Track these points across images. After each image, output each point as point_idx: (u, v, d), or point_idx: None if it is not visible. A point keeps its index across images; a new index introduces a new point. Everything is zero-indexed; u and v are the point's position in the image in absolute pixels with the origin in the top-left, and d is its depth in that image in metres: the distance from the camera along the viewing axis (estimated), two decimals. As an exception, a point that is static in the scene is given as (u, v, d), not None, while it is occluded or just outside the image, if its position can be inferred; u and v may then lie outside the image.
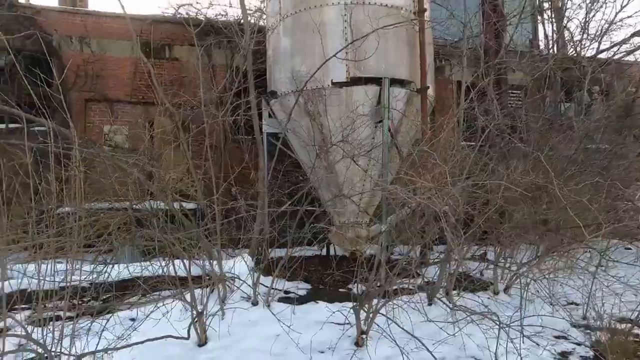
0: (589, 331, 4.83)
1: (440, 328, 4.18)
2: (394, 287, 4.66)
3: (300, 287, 5.76)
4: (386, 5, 6.05)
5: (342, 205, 7.15)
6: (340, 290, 5.95)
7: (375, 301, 4.08)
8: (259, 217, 6.41)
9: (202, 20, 10.02)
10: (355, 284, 5.92)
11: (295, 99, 6.04)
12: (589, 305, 5.16)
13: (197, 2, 10.00)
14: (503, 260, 6.05)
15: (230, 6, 10.58)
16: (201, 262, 5.15)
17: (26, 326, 3.72)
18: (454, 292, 5.42)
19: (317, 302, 5.17)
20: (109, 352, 3.37)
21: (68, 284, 3.41)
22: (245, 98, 7.79)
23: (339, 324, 4.41)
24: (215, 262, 5.03)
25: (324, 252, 8.23)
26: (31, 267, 4.25)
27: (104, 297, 4.69)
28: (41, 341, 3.36)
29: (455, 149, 4.74)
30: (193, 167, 6.75)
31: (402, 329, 3.98)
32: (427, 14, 6.49)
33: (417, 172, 4.35)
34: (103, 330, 3.62)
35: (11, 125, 9.37)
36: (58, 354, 3.12)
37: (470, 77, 8.74)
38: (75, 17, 10.17)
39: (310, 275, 6.27)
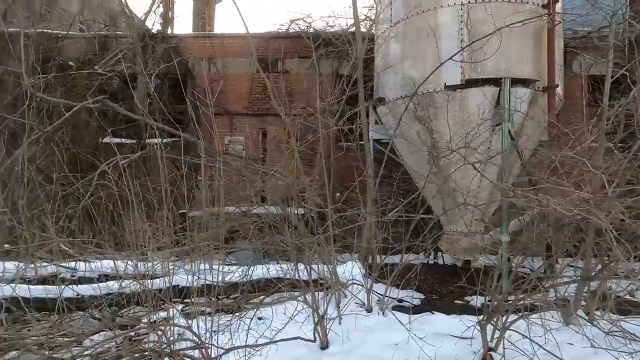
0: None
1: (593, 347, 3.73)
2: (524, 302, 4.35)
3: (413, 296, 5.68)
4: (509, 0, 5.67)
5: (454, 213, 6.88)
6: (457, 302, 5.72)
7: (504, 317, 3.84)
8: (367, 224, 6.49)
9: (312, 33, 10.52)
10: (475, 296, 5.67)
11: (406, 104, 5.99)
12: None
13: (308, 16, 10.48)
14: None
15: (338, 17, 10.77)
16: (317, 267, 5.39)
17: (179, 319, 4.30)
18: (597, 312, 4.84)
19: (434, 313, 5.04)
20: (256, 348, 3.68)
21: (216, 283, 3.83)
22: (355, 106, 7.96)
23: (461, 337, 4.25)
24: (330, 267, 5.21)
25: (431, 259, 8.01)
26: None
27: (235, 296, 5.16)
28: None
29: (600, 153, 4.23)
30: (303, 174, 7.13)
31: (544, 349, 3.69)
32: (558, 5, 5.93)
33: (559, 178, 3.98)
34: (249, 328, 3.97)
35: (154, 140, 10.79)
36: (210, 345, 3.51)
37: (608, 70, 7.70)
38: (205, 40, 11.43)
39: (421, 284, 6.15)
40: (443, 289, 6.42)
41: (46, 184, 6.23)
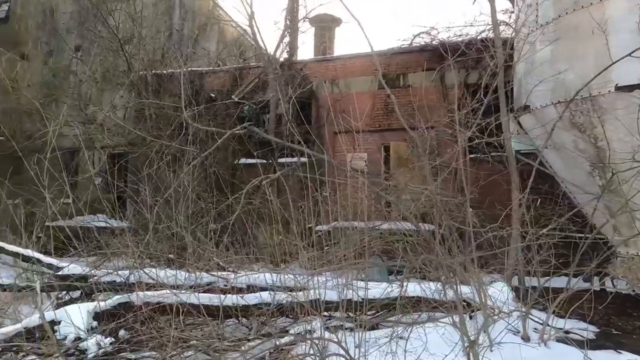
0: None
1: None
2: None
3: (581, 328, 4.92)
4: None
5: (631, 233, 5.85)
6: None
7: None
8: (513, 243, 5.90)
9: (437, 45, 10.23)
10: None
11: (561, 112, 5.35)
12: None
13: (432, 29, 10.24)
14: None
15: (466, 26, 10.31)
16: (457, 287, 5.04)
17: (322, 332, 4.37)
18: None
19: (620, 352, 4.27)
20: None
21: (362, 298, 3.80)
22: (488, 116, 7.43)
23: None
24: (477, 289, 4.82)
25: (596, 286, 6.90)
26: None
27: (376, 313, 5.08)
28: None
29: None
30: (434, 189, 6.82)
31: None
32: None
33: None
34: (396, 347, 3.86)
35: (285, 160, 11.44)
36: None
37: None
38: (328, 63, 11.93)
39: (589, 315, 5.32)
40: (625, 322, 5.45)
41: (200, 202, 7.05)
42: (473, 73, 10.34)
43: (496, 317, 4.96)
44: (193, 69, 11.28)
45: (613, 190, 5.49)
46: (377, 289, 5.44)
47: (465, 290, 4.96)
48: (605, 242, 5.83)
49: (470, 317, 5.05)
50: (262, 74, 11.34)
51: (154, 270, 4.47)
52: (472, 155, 9.24)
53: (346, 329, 4.62)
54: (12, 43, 12.83)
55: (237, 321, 4.86)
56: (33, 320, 3.36)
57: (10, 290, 4.94)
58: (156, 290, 4.10)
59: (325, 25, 15.00)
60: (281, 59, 11.52)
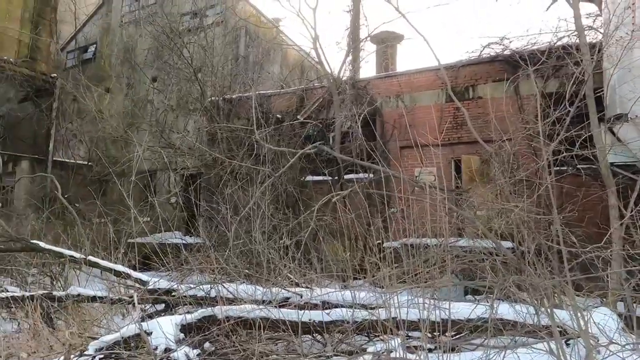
0: None
1: None
2: None
3: None
4: None
5: None
6: None
7: None
8: (616, 264, 5.33)
9: (509, 54, 9.83)
10: None
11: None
12: None
13: (504, 38, 9.85)
14: None
15: (541, 34, 9.78)
16: (552, 310, 4.64)
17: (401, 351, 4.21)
18: None
19: None
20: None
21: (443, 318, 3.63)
22: (574, 127, 6.90)
23: None
24: (574, 314, 4.38)
25: None
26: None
27: (458, 334, 4.83)
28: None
29: None
30: (522, 206, 6.40)
31: None
32: None
33: None
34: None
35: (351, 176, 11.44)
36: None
37: None
38: (392, 79, 11.89)
39: None
40: None
41: (273, 219, 7.22)
42: (552, 82, 9.74)
43: (602, 348, 4.47)
44: (261, 92, 11.79)
45: None
46: (463, 310, 5.17)
47: (562, 315, 4.56)
48: None
49: (567, 344, 4.62)
50: (327, 94, 11.56)
51: (233, 285, 4.60)
52: (557, 168, 8.62)
53: (427, 350, 4.42)
54: (99, 79, 14.33)
55: (312, 337, 4.84)
56: (130, 329, 3.57)
57: (104, 302, 5.33)
58: (235, 304, 4.20)
59: (387, 42, 15.03)
60: (344, 78, 11.69)
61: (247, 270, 5.17)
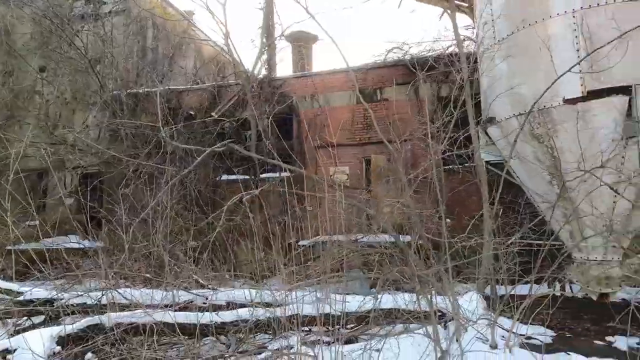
0: None
1: None
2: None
3: (541, 333, 5.13)
4: (630, -1, 5.11)
5: (584, 239, 6.17)
6: (597, 342, 5.03)
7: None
8: (485, 252, 6.11)
9: (409, 59, 10.59)
10: (619, 337, 4.94)
11: (521, 123, 5.64)
12: None
13: (404, 44, 10.60)
14: None
15: (435, 41, 10.68)
16: (432, 297, 5.21)
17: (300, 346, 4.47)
18: None
19: (569, 354, 4.49)
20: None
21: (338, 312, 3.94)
22: (460, 128, 7.71)
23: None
24: (450, 299, 4.99)
25: (557, 291, 7.18)
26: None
27: (352, 326, 5.20)
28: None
29: None
30: (413, 201, 7.02)
31: None
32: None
33: None
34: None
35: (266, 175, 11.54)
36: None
37: None
38: (307, 79, 12.17)
39: (550, 319, 5.55)
40: (577, 325, 5.70)
41: (180, 220, 7.11)
42: (444, 86, 10.70)
43: (467, 327, 5.14)
44: (170, 87, 11.39)
45: (566, 198, 5.78)
46: (355, 303, 5.56)
47: (439, 300, 5.14)
48: (562, 249, 6.12)
49: (445, 327, 5.23)
50: (241, 92, 11.52)
51: (129, 290, 4.51)
52: (447, 167, 9.54)
53: (324, 343, 4.73)
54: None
55: (215, 339, 4.92)
56: (-13, 350, 3.32)
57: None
58: (130, 310, 4.15)
59: (302, 42, 15.31)
60: (260, 76, 11.74)
61: (147, 274, 5.09)
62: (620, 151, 5.39)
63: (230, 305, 5.03)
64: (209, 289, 5.54)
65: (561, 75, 5.04)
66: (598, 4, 5.21)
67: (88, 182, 8.86)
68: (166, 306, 4.60)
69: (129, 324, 3.79)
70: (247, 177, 10.89)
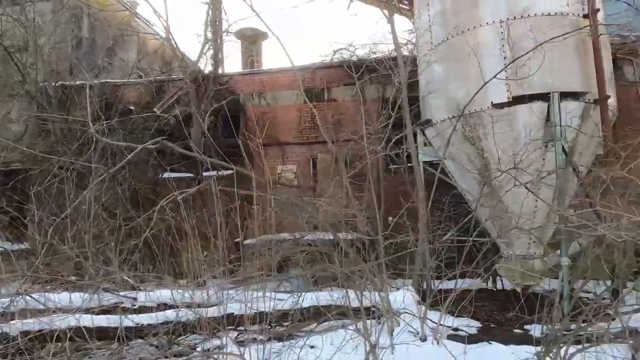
0: None
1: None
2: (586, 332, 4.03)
3: (468, 325, 5.40)
4: (549, 14, 5.52)
5: (510, 236, 6.56)
6: (516, 330, 5.36)
7: (564, 348, 3.55)
8: (420, 249, 6.32)
9: (355, 61, 10.74)
10: (534, 325, 5.28)
11: (454, 125, 5.89)
12: None
13: (350, 45, 10.74)
14: None
15: (380, 44, 10.91)
16: (369, 293, 5.32)
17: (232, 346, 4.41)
18: None
19: (491, 343, 4.75)
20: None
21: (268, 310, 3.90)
22: (402, 129, 7.93)
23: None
24: (382, 295, 5.11)
25: (489, 285, 7.60)
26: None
27: (287, 324, 5.19)
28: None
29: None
30: (354, 200, 7.14)
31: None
32: (600, 14, 5.67)
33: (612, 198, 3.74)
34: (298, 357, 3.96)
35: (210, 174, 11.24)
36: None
37: None
38: (255, 76, 11.99)
39: (478, 312, 5.85)
40: (502, 316, 6.05)
41: (110, 220, 6.75)
42: (389, 88, 10.95)
43: (399, 321, 5.29)
44: (105, 80, 10.80)
45: (494, 197, 6.12)
46: (291, 300, 5.56)
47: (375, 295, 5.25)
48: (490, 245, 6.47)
49: (379, 322, 5.36)
50: (185, 87, 11.16)
51: (46, 294, 4.22)
52: (390, 166, 9.80)
53: (258, 341, 4.69)
54: None
55: (144, 341, 4.74)
56: None
57: None
58: (46, 315, 3.88)
59: (251, 39, 15.11)
60: (206, 72, 11.44)
61: (68, 277, 4.79)
62: (541, 154, 5.78)
63: (160, 307, 4.86)
64: (140, 290, 5.32)
65: (487, 82, 5.32)
66: (522, 16, 5.56)
67: (9, 180, 8.19)
68: (88, 310, 4.36)
69: (37, 331, 3.54)
70: (190, 175, 10.58)
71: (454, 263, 5.68)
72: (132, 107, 10.88)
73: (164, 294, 5.30)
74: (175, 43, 10.70)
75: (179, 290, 4.64)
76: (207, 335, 4.40)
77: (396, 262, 6.36)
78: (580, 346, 3.68)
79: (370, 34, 16.77)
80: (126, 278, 5.02)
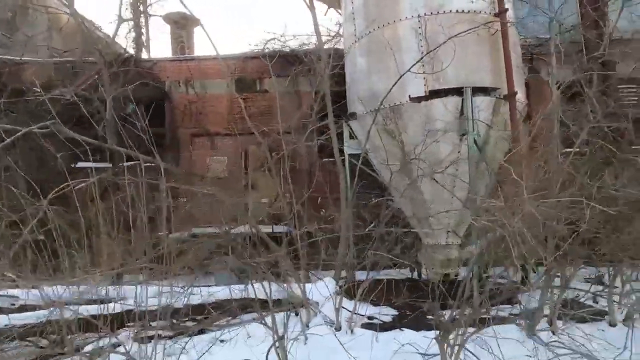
0: None
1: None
2: (488, 316, 4.25)
3: (385, 313, 5.50)
4: (462, 11, 5.74)
5: (429, 226, 6.79)
6: (429, 317, 5.54)
7: (461, 331, 3.69)
8: (342, 240, 6.35)
9: (287, 52, 10.57)
10: (447, 311, 5.50)
11: (373, 118, 5.95)
12: None
13: (282, 36, 10.55)
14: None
15: (311, 35, 10.83)
16: (285, 285, 5.24)
17: (132, 344, 4.12)
18: (560, 322, 4.77)
19: (403, 330, 4.86)
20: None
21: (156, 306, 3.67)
22: (325, 121, 7.91)
23: (425, 355, 4.08)
24: (295, 286, 5.06)
25: (414, 275, 7.85)
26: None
27: (197, 318, 4.97)
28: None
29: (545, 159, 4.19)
30: (282, 192, 7.02)
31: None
32: (509, 13, 6.01)
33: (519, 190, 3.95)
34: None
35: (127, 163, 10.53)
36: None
37: (570, 75, 7.81)
38: (182, 63, 11.38)
39: (396, 300, 5.99)
40: (420, 304, 6.23)
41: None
42: (320, 81, 10.93)
43: (318, 312, 5.28)
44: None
45: (414, 189, 6.29)
46: (206, 294, 5.34)
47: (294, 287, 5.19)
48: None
49: (296, 314, 5.31)
50: (101, 70, 10.32)
51: None
52: (325, 160, 9.79)
53: (167, 337, 4.45)
54: None
55: (28, 341, 4.28)
56: None
57: None
58: None
59: (179, 25, 14.39)
60: (126, 55, 10.67)
61: None
62: (456, 147, 6.01)
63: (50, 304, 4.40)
64: (33, 288, 4.80)
65: (402, 76, 5.44)
66: (438, 12, 5.73)
67: None
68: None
69: None
70: (107, 164, 9.84)
71: (376, 254, 5.78)
72: (37, 88, 9.85)
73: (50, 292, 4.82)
74: (83, 18, 9.83)
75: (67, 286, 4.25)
76: (101, 333, 4.09)
77: (315, 254, 6.36)
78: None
79: (308, 25, 16.50)
80: (10, 275, 4.50)
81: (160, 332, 4.16)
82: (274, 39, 10.81)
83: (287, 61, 10.81)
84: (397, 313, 5.75)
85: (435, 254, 7.03)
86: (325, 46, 10.02)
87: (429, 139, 5.79)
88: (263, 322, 4.07)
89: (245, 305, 4.98)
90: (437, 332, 3.83)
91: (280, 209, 8.07)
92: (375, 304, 5.58)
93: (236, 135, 11.23)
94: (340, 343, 4.33)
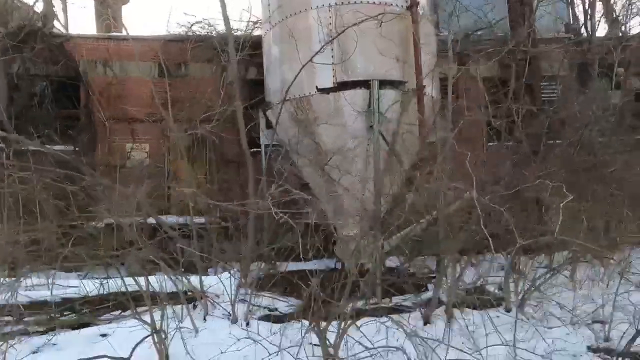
0: (607, 357, 4.20)
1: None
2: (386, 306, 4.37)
3: (289, 304, 5.47)
4: (374, 2, 5.74)
5: (343, 217, 6.85)
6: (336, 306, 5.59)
7: (343, 322, 3.74)
8: (250, 231, 6.22)
9: (213, 36, 10.14)
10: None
11: (279, 108, 5.86)
12: (611, 324, 4.54)
13: (204, 19, 10.10)
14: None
15: (236, 21, 10.44)
16: (182, 277, 5.07)
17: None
18: (457, 309, 5.03)
19: (301, 321, 4.85)
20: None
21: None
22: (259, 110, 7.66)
23: (314, 345, 4.10)
24: (192, 278, 4.91)
25: (331, 266, 7.92)
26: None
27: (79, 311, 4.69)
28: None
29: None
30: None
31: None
32: (424, 7, 6.12)
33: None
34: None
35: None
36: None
37: (496, 71, 8.16)
38: (99, 42, 10.55)
39: (301, 291, 5.98)
40: (329, 294, 6.27)
41: None
42: (251, 69, 10.63)
43: (215, 305, 5.15)
44: None
45: (327, 181, 6.30)
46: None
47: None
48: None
49: (194, 307, 5.16)
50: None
51: None
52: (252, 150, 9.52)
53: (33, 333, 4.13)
54: None
55: None
56: None
57: None
58: None
59: (105, 2, 13.39)
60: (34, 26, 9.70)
61: None
62: (364, 138, 6.06)
63: None
64: None
65: (304, 66, 5.43)
66: (349, 2, 5.70)
67: None
68: None
69: None
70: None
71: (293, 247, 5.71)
72: None
73: None
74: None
75: None
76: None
77: (223, 245, 6.20)
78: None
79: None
80: None
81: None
82: (200, 22, 10.35)
83: (212, 47, 10.40)
84: (302, 304, 5.74)
85: (350, 245, 7.12)
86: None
87: (339, 131, 5.80)
88: (137, 316, 3.87)
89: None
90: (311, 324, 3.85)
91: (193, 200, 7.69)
92: (288, 295, 5.55)
93: (159, 122, 10.69)
94: (233, 335, 4.24)
